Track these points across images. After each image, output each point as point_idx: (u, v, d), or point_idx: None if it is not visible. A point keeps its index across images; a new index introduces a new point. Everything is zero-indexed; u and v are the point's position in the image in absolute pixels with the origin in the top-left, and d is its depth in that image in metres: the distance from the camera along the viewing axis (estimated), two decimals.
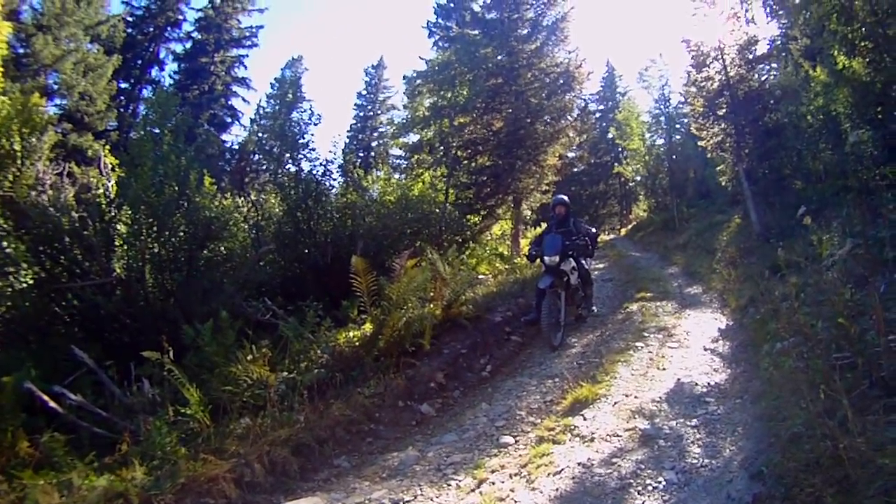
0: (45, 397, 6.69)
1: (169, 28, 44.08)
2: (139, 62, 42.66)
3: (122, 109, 39.46)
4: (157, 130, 10.89)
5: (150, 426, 6.26)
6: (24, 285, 9.91)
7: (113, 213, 10.28)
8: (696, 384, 7.67)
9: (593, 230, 12.88)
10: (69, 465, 5.57)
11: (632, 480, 5.36)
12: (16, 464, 5.62)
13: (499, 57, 26.51)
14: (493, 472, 6.09)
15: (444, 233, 17.58)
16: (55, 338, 9.46)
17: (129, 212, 10.18)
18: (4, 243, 9.94)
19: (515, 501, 5.33)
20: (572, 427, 6.80)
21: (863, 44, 10.98)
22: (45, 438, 5.88)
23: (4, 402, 6.87)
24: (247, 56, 47.70)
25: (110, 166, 12.22)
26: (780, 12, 18.50)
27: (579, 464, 5.86)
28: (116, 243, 10.27)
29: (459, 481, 6.02)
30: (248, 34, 46.95)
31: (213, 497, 5.61)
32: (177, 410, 6.79)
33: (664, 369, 8.55)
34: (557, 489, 5.44)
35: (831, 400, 4.33)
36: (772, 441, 5.14)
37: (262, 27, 48.34)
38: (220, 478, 5.75)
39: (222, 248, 11.31)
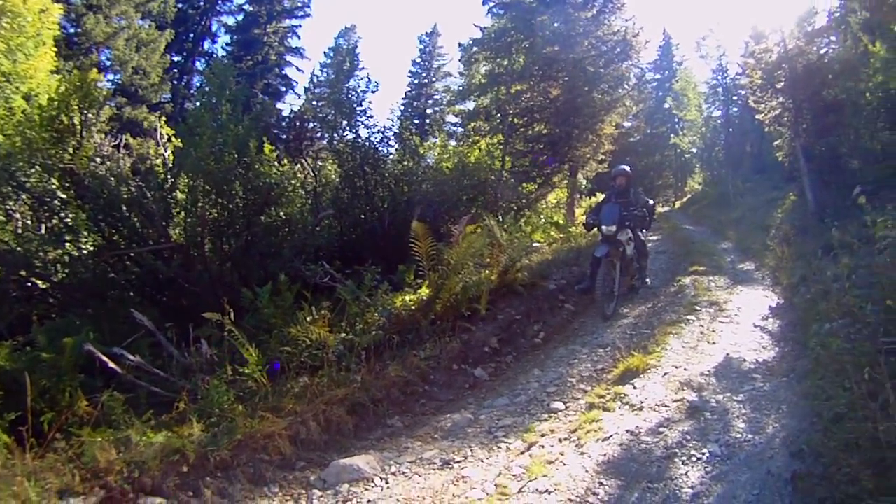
0: (105, 358, 6.83)
1: (220, 1, 44.78)
2: (191, 36, 43.51)
3: (175, 82, 40.31)
4: (214, 100, 11.04)
5: (209, 385, 6.40)
6: (85, 252, 10.17)
7: (171, 182, 10.48)
8: (745, 360, 7.74)
9: (651, 202, 12.88)
10: (127, 423, 5.68)
11: (677, 450, 5.47)
12: (74, 422, 5.69)
13: (555, 24, 26.08)
14: (543, 436, 6.21)
15: (500, 200, 17.57)
16: (113, 302, 9.70)
17: (187, 180, 10.37)
18: (64, 213, 10.21)
19: (564, 464, 5.44)
20: (622, 395, 6.92)
21: None
22: (104, 397, 6.00)
23: (64, 363, 7.06)
24: (299, 26, 48.80)
25: (166, 137, 12.45)
26: None
27: (628, 431, 5.98)
28: (174, 210, 10.48)
29: (510, 444, 6.15)
30: (300, 4, 47.69)
31: (268, 453, 5.74)
32: (235, 370, 6.95)
33: (714, 343, 8.60)
34: (605, 454, 5.56)
35: (876, 383, 4.38)
36: (814, 420, 5.22)
37: None
38: (276, 435, 5.87)
39: (281, 214, 11.44)
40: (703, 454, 5.34)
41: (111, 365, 6.86)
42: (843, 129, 16.38)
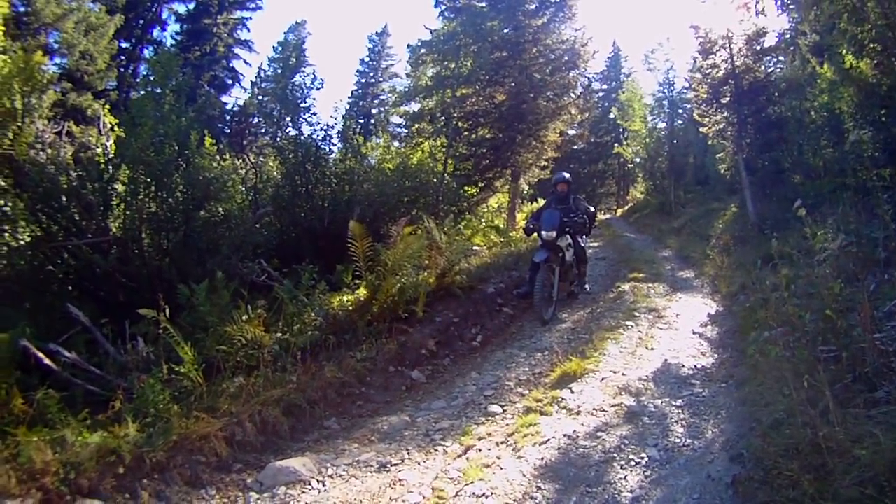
0: (41, 354, 6.65)
1: None
2: (141, 22, 41.85)
3: (122, 69, 38.81)
4: (158, 90, 10.82)
5: (144, 384, 6.24)
6: (22, 243, 9.91)
7: (111, 172, 10.25)
8: (683, 366, 7.81)
9: (592, 209, 12.93)
10: (63, 422, 5.56)
11: (615, 454, 5.47)
12: (10, 421, 5.56)
13: (505, 30, 26.18)
14: (480, 439, 6.19)
15: (441, 203, 17.50)
16: (50, 296, 9.43)
17: (128, 171, 10.16)
18: (2, 201, 9.92)
19: (501, 468, 5.41)
20: (560, 399, 6.92)
21: (872, 45, 10.92)
22: (39, 395, 5.83)
23: None
24: (250, 18, 47.57)
25: (109, 126, 12.13)
26: (791, 6, 18.23)
27: (565, 435, 5.97)
28: (114, 202, 10.25)
29: (447, 447, 6.12)
30: None
31: (204, 454, 5.65)
32: (170, 368, 6.79)
33: (652, 349, 8.69)
34: (543, 458, 5.54)
35: (814, 390, 4.42)
36: (753, 426, 5.24)
37: None
38: (211, 436, 5.79)
39: (220, 210, 11.18)
40: (642, 458, 5.35)
41: (47, 362, 6.70)
42: (786, 144, 16.63)
